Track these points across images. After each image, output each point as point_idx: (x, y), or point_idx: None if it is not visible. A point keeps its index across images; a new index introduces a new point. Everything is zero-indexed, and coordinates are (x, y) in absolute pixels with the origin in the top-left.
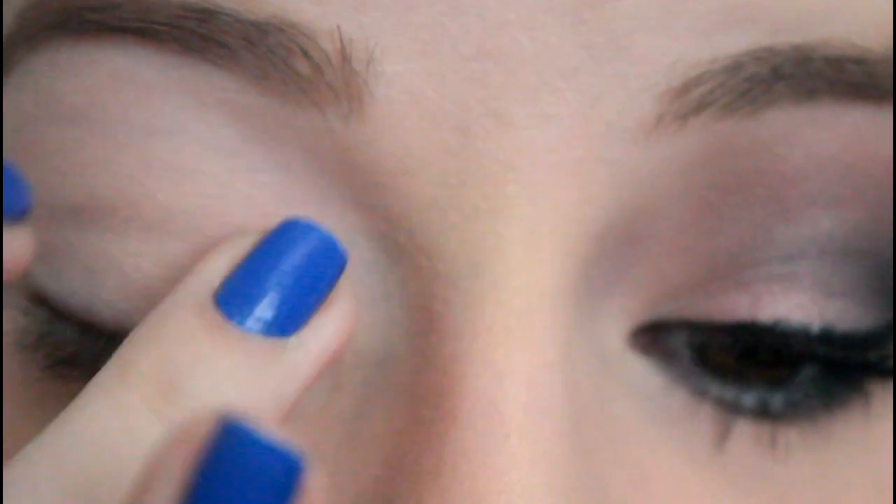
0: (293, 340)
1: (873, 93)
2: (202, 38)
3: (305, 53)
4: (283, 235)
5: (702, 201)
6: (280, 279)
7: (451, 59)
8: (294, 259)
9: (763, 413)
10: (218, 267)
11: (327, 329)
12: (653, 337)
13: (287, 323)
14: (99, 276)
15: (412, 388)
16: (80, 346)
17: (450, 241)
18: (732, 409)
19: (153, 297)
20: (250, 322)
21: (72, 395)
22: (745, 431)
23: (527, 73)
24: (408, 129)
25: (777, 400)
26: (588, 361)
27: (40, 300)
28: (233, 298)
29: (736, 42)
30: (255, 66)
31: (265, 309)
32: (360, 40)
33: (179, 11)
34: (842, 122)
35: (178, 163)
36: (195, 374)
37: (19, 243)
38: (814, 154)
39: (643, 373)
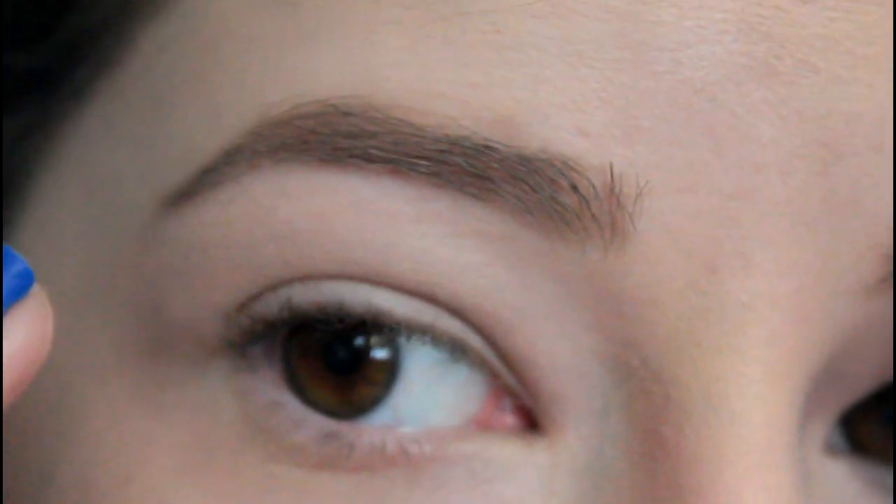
0: None
1: None
2: (465, 173)
3: (574, 188)
4: None
5: None
6: None
7: (710, 196)
8: None
9: None
10: None
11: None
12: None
13: None
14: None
15: None
16: None
17: (685, 372)
18: None
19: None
20: None
21: None
22: None
23: (777, 217)
24: (662, 263)
25: None
26: (803, 487)
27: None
28: None
29: None
30: (519, 199)
31: None
32: (630, 175)
33: (445, 145)
34: None
35: (419, 280)
36: None
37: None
38: None
39: (841, 480)
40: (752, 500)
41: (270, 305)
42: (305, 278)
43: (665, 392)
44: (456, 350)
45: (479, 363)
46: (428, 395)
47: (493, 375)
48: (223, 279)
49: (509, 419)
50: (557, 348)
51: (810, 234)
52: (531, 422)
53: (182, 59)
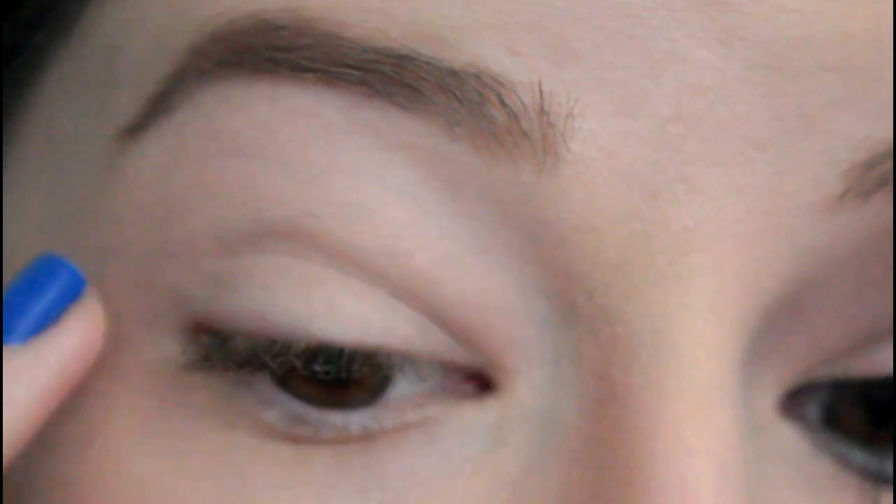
0: (20, 346)
1: None
2: (393, 83)
3: (502, 102)
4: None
5: (867, 275)
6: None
7: (648, 120)
8: (18, 283)
9: None
10: None
11: (53, 337)
12: (798, 402)
13: (12, 330)
14: (277, 290)
15: (589, 457)
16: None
17: (631, 305)
18: (877, 479)
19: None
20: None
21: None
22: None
23: (720, 140)
24: (599, 187)
25: None
26: (749, 432)
27: (204, 328)
28: None
29: None
30: (448, 111)
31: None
32: (560, 94)
33: (372, 56)
34: None
35: (356, 202)
36: None
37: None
38: None
39: (791, 439)
40: (696, 442)
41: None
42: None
43: (612, 331)
44: None
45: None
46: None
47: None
48: (183, 211)
49: (464, 384)
50: (501, 284)
51: (759, 154)
52: (485, 380)
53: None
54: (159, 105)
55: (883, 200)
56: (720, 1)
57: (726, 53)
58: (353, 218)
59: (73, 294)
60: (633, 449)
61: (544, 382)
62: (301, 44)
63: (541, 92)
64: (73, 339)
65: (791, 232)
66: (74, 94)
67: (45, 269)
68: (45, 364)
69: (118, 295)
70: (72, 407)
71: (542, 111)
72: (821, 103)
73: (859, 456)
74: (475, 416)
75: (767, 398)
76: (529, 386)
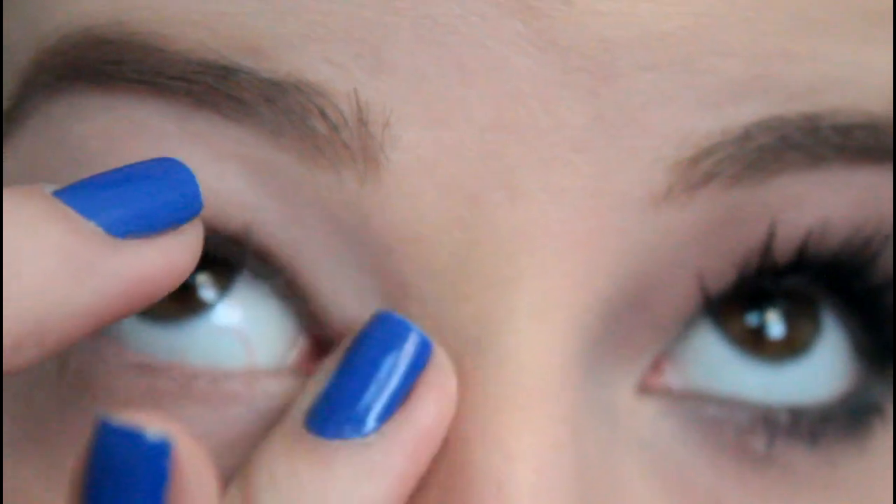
0: (373, 437)
1: (878, 154)
2: (218, 94)
3: (322, 113)
4: (360, 343)
5: (704, 267)
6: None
7: (466, 129)
8: (366, 360)
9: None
10: (309, 392)
11: (408, 419)
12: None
13: (362, 422)
14: None
15: (431, 464)
16: None
17: (461, 313)
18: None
19: None
20: (331, 430)
21: None
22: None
23: (541, 145)
24: (421, 196)
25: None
26: (597, 428)
27: None
28: (320, 415)
29: (747, 112)
30: (272, 122)
31: (342, 413)
32: (377, 104)
33: (196, 67)
34: (850, 184)
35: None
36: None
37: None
38: (823, 216)
39: (652, 422)
40: (515, 445)
41: None
42: None
43: (443, 339)
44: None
45: (285, 298)
46: (253, 326)
47: (298, 314)
48: None
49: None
50: (342, 291)
51: (580, 156)
52: None
53: None
54: (12, 116)
55: (710, 196)
56: (532, 7)
57: (543, 59)
58: None
59: (422, 361)
60: (454, 454)
61: None
62: (129, 57)
63: (358, 102)
64: (429, 414)
65: (619, 230)
66: None
67: (393, 333)
68: (400, 451)
69: None
70: None
71: (360, 121)
72: (640, 102)
73: (739, 411)
74: None
75: (625, 387)
76: None
